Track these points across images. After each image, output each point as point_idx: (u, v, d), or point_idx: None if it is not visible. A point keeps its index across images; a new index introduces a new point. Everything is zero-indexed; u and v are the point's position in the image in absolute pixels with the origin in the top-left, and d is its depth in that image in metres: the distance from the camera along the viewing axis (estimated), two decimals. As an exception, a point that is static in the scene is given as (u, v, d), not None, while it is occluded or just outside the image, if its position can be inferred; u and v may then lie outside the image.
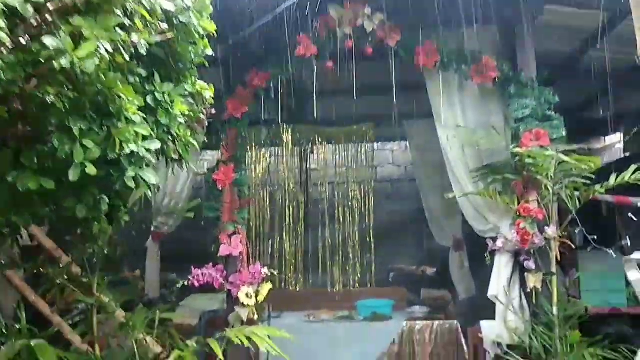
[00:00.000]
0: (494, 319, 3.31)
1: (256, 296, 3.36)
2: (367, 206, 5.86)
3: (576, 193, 2.97)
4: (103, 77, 1.36)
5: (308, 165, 6.33)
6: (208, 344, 2.37)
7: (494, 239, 3.35)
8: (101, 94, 1.40)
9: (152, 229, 5.26)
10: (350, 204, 5.92)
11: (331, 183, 6.25)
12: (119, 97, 1.44)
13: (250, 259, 3.45)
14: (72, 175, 1.39)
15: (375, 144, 6.56)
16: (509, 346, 3.14)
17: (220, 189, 3.39)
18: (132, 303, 4.91)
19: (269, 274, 3.43)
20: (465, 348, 4.24)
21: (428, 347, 4.32)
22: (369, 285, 5.60)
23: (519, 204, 3.17)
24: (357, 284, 5.63)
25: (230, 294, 3.41)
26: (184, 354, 2.41)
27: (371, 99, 4.27)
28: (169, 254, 5.26)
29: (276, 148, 6.03)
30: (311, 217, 6.13)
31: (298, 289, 5.68)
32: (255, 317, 3.33)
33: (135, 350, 2.53)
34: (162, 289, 5.24)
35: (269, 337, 2.50)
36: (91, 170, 1.40)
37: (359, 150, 6.03)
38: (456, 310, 4.98)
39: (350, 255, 5.74)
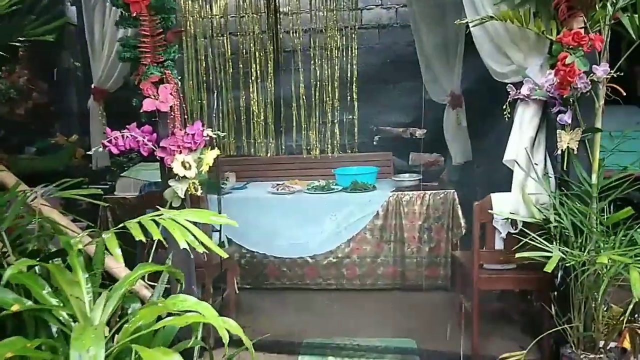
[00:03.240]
0: (496, 189, 2.58)
1: (198, 166, 2.52)
2: (348, 57, 4.88)
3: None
4: None
5: (277, 5, 5.20)
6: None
7: (517, 85, 2.46)
8: None
9: (93, 86, 4.30)
10: (328, 54, 4.92)
11: (306, 30, 5.18)
12: None
13: (188, 117, 2.55)
14: None
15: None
16: (526, 224, 2.43)
17: (135, 15, 2.36)
18: (58, 173, 4.14)
19: (214, 136, 2.56)
20: (462, 222, 3.58)
21: (417, 220, 3.66)
22: (350, 151, 4.83)
23: (558, 33, 2.23)
24: (337, 150, 4.85)
25: (162, 163, 2.56)
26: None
27: None
28: (119, 117, 4.42)
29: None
30: (282, 70, 5.17)
31: (268, 155, 4.90)
32: (199, 192, 2.52)
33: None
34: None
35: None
36: None
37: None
38: (450, 177, 4.28)
39: (329, 116, 4.89)
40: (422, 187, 3.75)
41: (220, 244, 3.68)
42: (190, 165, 2.51)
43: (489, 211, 2.53)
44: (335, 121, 4.81)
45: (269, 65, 4.96)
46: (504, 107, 2.47)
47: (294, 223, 3.72)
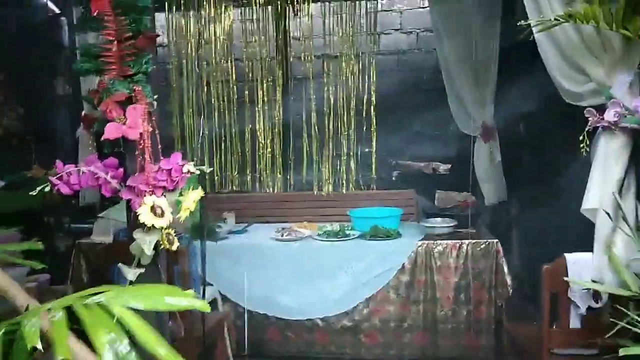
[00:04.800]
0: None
1: (175, 211, 1.92)
2: (365, 85, 4.34)
3: None
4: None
5: (288, 30, 4.72)
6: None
7: (600, 110, 1.85)
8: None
9: (83, 113, 3.80)
10: (343, 82, 4.39)
11: (319, 56, 4.68)
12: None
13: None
14: None
15: (379, 2, 4.85)
16: (613, 296, 1.77)
17: (96, 15, 1.81)
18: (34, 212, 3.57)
19: (196, 172, 1.98)
20: (507, 280, 2.92)
21: (452, 277, 3.01)
22: (367, 188, 4.23)
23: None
24: (352, 186, 4.26)
25: (129, 206, 1.97)
26: None
27: None
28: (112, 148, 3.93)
29: (243, 8, 4.42)
30: (292, 98, 4.65)
31: (275, 192, 4.31)
32: (175, 245, 1.91)
33: None
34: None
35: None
36: None
37: (356, 11, 4.37)
38: (483, 221, 3.64)
39: (344, 148, 4.32)
40: (457, 235, 3.11)
41: (211, 302, 3.04)
42: (162, 211, 1.90)
43: (565, 279, 1.87)
44: (351, 154, 4.24)
45: (277, 92, 4.44)
46: (581, 138, 1.85)
47: (302, 277, 3.10)
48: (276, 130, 4.41)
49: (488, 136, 3.93)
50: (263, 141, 4.40)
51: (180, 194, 1.99)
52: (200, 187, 2.02)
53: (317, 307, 3.09)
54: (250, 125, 4.43)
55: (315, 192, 4.21)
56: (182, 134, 4.42)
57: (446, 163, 4.60)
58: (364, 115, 4.22)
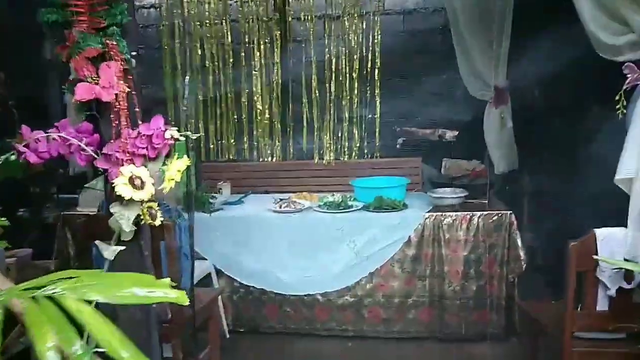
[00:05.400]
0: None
1: (157, 182, 1.72)
2: (369, 47, 4.07)
3: None
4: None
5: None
6: None
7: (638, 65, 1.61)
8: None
9: (70, 78, 3.57)
10: (346, 43, 4.12)
11: (320, 16, 4.38)
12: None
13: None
14: None
15: (383, -44, 4.56)
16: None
17: (58, -43, 1.56)
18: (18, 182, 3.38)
19: (181, 138, 1.76)
20: (521, 254, 2.73)
21: (462, 250, 2.82)
22: (370, 156, 4.01)
23: None
24: (355, 154, 4.04)
25: (106, 177, 1.77)
26: None
27: None
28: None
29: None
30: (291, 61, 4.38)
31: (274, 160, 4.10)
32: (157, 220, 1.72)
33: None
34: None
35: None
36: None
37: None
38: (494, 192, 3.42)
39: (346, 114, 4.09)
40: (467, 206, 2.91)
41: (205, 278, 2.88)
42: (142, 183, 1.69)
43: (595, 257, 1.67)
44: (354, 120, 4.00)
45: (275, 54, 4.16)
46: (617, 98, 1.62)
47: (301, 250, 2.91)
48: (274, 95, 4.17)
49: (500, 100, 3.64)
50: (261, 107, 4.16)
51: (164, 164, 1.78)
52: (186, 156, 1.82)
53: (317, 282, 2.91)
54: (247, 90, 4.18)
55: (315, 161, 4.00)
56: (175, 100, 4.18)
57: (454, 129, 4.36)
58: (367, 78, 4.00)
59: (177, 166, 1.77)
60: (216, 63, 4.15)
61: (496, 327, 2.82)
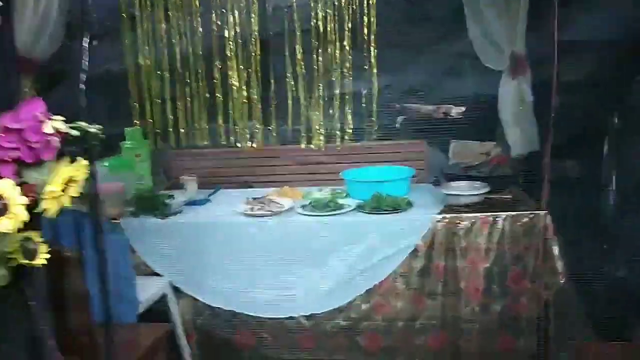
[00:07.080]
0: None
1: (36, 200, 1.16)
2: (364, 12, 3.51)
3: None
4: None
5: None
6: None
7: None
8: None
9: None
10: (335, 7, 3.54)
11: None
12: None
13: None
14: None
15: None
16: None
17: None
18: None
19: (77, 132, 1.20)
20: (558, 266, 2.20)
21: (482, 262, 2.30)
22: (366, 139, 3.48)
23: None
24: (347, 137, 3.53)
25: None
26: None
27: None
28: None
29: None
30: (272, 31, 3.84)
31: (254, 146, 3.57)
32: (40, 258, 1.16)
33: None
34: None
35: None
36: None
37: None
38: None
39: (337, 91, 3.57)
40: (489, 205, 2.38)
41: (160, 300, 2.33)
42: (9, 203, 1.14)
43: None
44: (347, 95, 3.52)
45: (252, 22, 3.61)
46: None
47: (280, 263, 2.40)
48: (253, 68, 3.62)
49: (518, 70, 3.17)
50: (237, 83, 3.63)
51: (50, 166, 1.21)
52: (83, 159, 1.24)
53: (301, 301, 2.44)
54: (220, 65, 3.64)
55: (302, 146, 3.47)
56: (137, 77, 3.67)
57: (464, 105, 3.90)
58: (363, 47, 3.47)
59: (66, 174, 1.19)
60: (182, 31, 3.62)
61: (525, 358, 2.34)
